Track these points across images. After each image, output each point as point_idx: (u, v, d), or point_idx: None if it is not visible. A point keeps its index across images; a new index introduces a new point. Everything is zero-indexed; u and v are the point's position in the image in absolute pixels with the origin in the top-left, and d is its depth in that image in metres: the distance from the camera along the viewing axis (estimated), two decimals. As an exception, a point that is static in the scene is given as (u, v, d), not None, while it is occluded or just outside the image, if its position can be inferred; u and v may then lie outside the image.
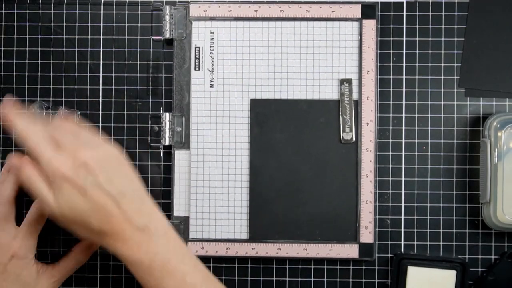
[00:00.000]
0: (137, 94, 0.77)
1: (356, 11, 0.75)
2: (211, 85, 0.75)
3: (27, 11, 0.77)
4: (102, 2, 0.77)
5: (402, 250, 0.76)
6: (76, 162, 0.60)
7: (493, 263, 0.75)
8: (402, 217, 0.76)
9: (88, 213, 0.60)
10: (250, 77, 0.75)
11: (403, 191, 0.76)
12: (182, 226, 0.75)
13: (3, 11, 0.77)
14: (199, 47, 0.75)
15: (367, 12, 0.74)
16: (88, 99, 0.77)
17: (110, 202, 0.60)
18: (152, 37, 0.77)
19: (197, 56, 0.75)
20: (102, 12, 0.77)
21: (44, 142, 0.61)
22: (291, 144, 0.75)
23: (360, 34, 0.75)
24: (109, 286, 0.77)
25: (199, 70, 0.75)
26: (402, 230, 0.76)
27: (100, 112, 0.77)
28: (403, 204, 0.76)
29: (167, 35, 0.75)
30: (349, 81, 0.75)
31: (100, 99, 0.77)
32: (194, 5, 0.75)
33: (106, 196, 0.60)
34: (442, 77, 0.76)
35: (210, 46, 0.75)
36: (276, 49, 0.75)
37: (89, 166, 0.60)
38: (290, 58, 0.75)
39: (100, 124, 0.77)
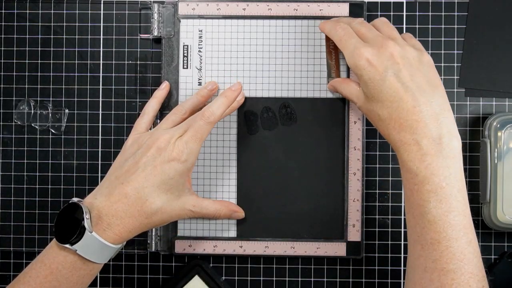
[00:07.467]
0: (137, 94, 0.77)
1: (344, 9, 0.74)
2: (199, 83, 0.75)
3: (27, 11, 0.78)
4: (102, 1, 0.77)
5: (402, 249, 0.75)
6: (384, 51, 0.61)
7: (493, 263, 0.75)
8: (402, 217, 0.76)
9: (382, 102, 0.61)
10: (238, 75, 0.75)
11: (403, 191, 0.76)
12: (170, 224, 0.75)
13: (3, 11, 0.78)
14: (187, 45, 0.76)
15: (355, 10, 0.74)
16: (88, 99, 0.77)
17: (406, 97, 0.60)
18: (140, 35, 0.77)
19: (186, 54, 0.76)
20: (102, 12, 0.77)
21: (350, 34, 0.64)
22: (279, 142, 0.75)
23: None
24: (109, 286, 0.77)
25: (187, 68, 0.76)
26: (402, 230, 0.76)
27: (100, 112, 0.77)
28: (403, 204, 0.76)
29: (155, 33, 0.76)
30: None
31: (100, 99, 0.77)
32: (182, 3, 0.75)
33: (404, 89, 0.60)
34: (442, 77, 0.76)
35: (199, 44, 0.76)
36: (264, 47, 0.75)
37: (395, 58, 0.61)
38: (278, 56, 0.75)
39: (100, 124, 0.77)
